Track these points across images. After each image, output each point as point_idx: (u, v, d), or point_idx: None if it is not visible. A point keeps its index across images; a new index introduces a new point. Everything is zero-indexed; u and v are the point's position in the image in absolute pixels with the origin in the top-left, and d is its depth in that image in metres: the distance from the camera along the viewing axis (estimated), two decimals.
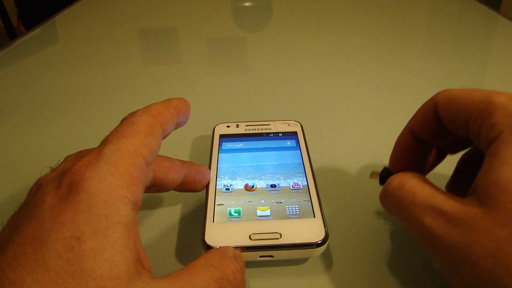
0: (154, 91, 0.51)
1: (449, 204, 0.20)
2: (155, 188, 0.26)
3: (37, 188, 0.21)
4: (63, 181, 0.19)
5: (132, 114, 0.23)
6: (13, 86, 0.53)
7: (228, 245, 0.24)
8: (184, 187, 0.28)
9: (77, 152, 0.24)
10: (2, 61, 0.61)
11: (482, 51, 0.61)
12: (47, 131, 0.43)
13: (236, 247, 0.24)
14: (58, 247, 0.17)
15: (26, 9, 1.59)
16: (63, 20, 0.78)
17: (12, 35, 1.67)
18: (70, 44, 0.67)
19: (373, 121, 0.43)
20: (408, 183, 0.23)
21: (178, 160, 0.27)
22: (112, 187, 0.19)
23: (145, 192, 0.24)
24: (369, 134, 0.41)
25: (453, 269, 0.20)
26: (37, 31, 0.72)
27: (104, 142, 0.21)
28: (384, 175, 0.30)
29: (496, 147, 0.20)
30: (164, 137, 0.23)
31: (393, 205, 0.24)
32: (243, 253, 0.24)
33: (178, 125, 0.25)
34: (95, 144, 0.25)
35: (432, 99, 0.25)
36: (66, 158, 0.24)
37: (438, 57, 0.59)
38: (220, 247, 0.23)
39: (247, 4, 0.87)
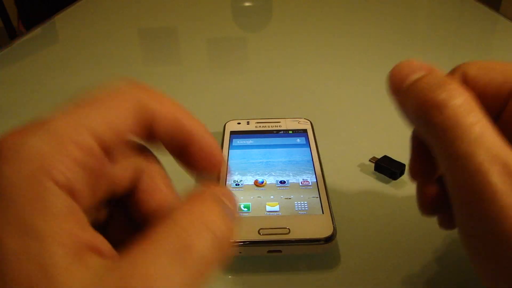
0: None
1: None
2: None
3: None
4: None
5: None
6: (13, 86, 0.52)
7: (237, 240, 0.24)
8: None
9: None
10: (2, 61, 0.60)
11: (482, 51, 0.61)
12: None
13: (245, 242, 0.24)
14: None
15: (26, 9, 1.59)
16: (63, 20, 0.78)
17: (12, 35, 1.67)
18: (70, 44, 0.67)
19: (381, 119, 0.42)
20: (476, 111, 0.18)
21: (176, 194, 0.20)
22: (39, 168, 0.14)
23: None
24: (378, 132, 0.40)
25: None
26: (37, 31, 0.72)
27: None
28: (380, 163, 0.32)
29: None
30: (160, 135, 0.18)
31: (438, 121, 0.18)
32: (251, 248, 0.24)
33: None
34: None
35: (456, 72, 0.22)
36: None
37: (438, 57, 0.59)
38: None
39: (247, 4, 0.87)
